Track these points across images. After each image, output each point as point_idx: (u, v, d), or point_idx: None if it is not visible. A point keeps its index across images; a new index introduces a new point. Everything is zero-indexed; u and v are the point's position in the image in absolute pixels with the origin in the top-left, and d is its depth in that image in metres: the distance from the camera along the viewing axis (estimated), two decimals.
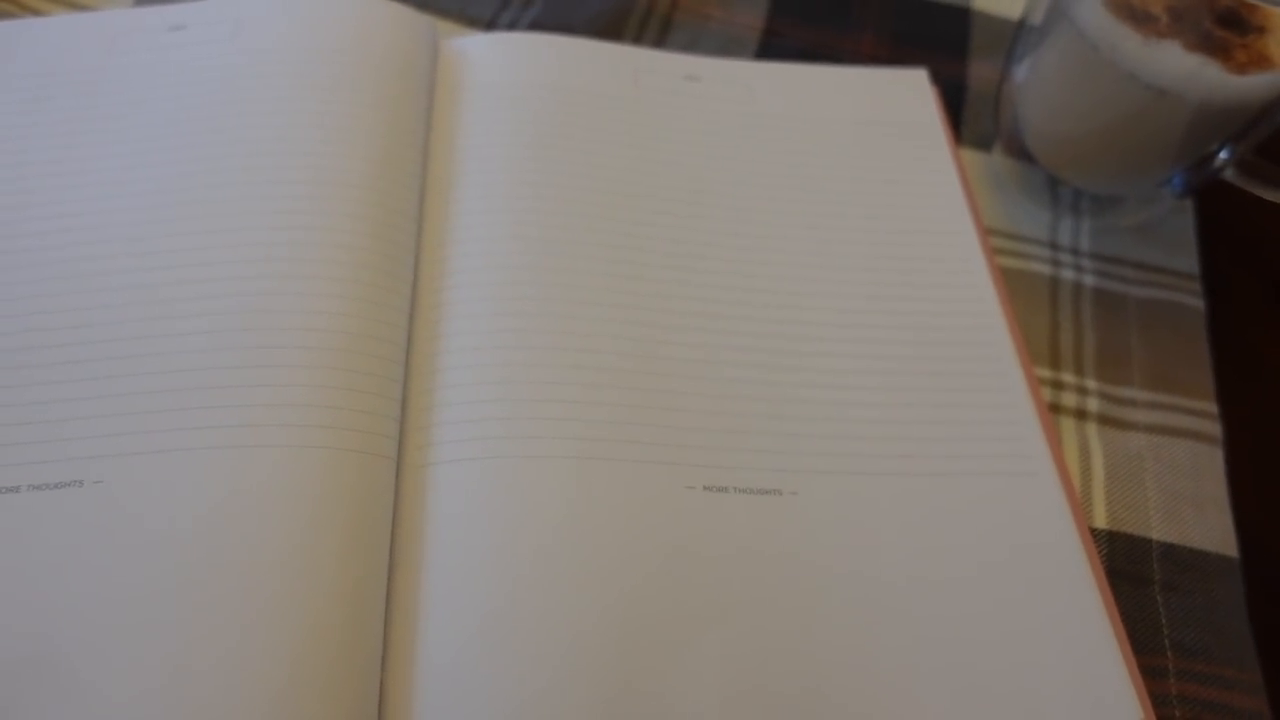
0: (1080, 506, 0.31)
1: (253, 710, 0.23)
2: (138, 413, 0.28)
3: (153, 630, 0.24)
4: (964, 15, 0.46)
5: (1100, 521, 0.32)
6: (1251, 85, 0.32)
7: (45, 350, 0.29)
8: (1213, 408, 0.35)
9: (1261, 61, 0.31)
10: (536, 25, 0.42)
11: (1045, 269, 0.38)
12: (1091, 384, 0.35)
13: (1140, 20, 0.32)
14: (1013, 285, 0.37)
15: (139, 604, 0.25)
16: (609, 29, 0.43)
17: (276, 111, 0.34)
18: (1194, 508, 0.33)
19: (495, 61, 0.38)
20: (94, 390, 0.28)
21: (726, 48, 0.43)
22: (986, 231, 0.38)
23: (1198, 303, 0.37)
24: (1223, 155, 0.35)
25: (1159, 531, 0.32)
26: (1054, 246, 0.38)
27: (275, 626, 0.24)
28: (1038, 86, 0.36)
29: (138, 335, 0.29)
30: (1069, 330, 0.36)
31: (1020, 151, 0.39)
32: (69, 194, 0.32)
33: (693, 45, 0.43)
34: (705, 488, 0.29)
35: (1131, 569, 0.31)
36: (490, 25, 0.42)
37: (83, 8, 0.40)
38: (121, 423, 0.27)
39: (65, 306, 0.30)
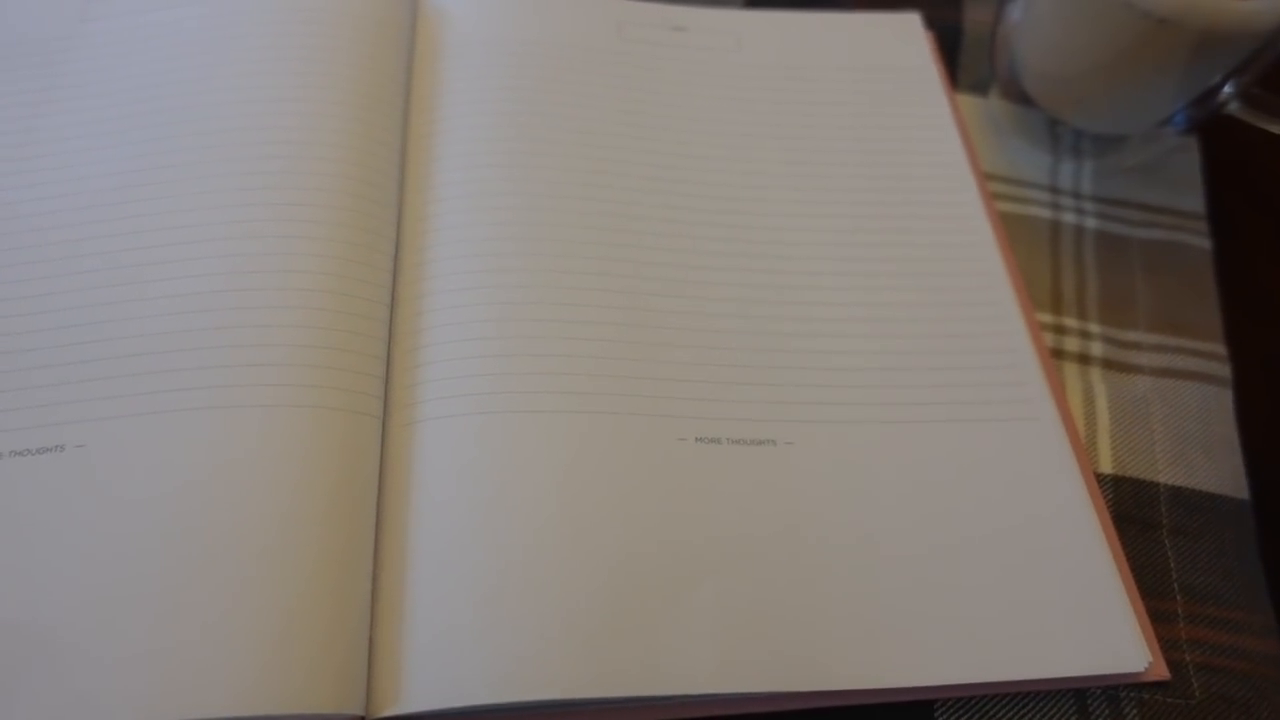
0: (1084, 451, 0.30)
1: (239, 676, 0.23)
2: (118, 376, 0.27)
3: (138, 594, 0.24)
4: None
5: (1106, 466, 0.31)
6: (1255, 12, 0.30)
7: (26, 317, 0.28)
8: (1221, 349, 0.34)
9: None
10: None
11: (1046, 213, 0.37)
12: (1095, 328, 0.34)
13: None
14: (1013, 230, 0.36)
15: (123, 569, 0.24)
16: None
17: (254, 73, 0.33)
18: (1203, 450, 0.32)
19: (476, 17, 0.37)
20: (75, 355, 0.28)
21: None
22: (985, 177, 0.37)
23: (1204, 242, 0.36)
24: (1226, 89, 0.34)
25: (1166, 475, 0.31)
26: (1054, 190, 0.37)
27: (261, 588, 0.24)
28: (1033, 24, 0.35)
29: (118, 299, 0.29)
30: (1071, 274, 0.35)
31: (1018, 94, 0.38)
32: (45, 162, 0.32)
33: None
34: (698, 439, 0.28)
35: (1139, 513, 0.30)
36: None
37: None
38: (102, 386, 0.27)
39: (45, 273, 0.29)
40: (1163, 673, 0.27)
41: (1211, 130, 0.38)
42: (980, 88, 0.40)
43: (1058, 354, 0.33)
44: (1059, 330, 0.34)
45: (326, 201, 0.31)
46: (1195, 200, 0.37)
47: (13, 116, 0.33)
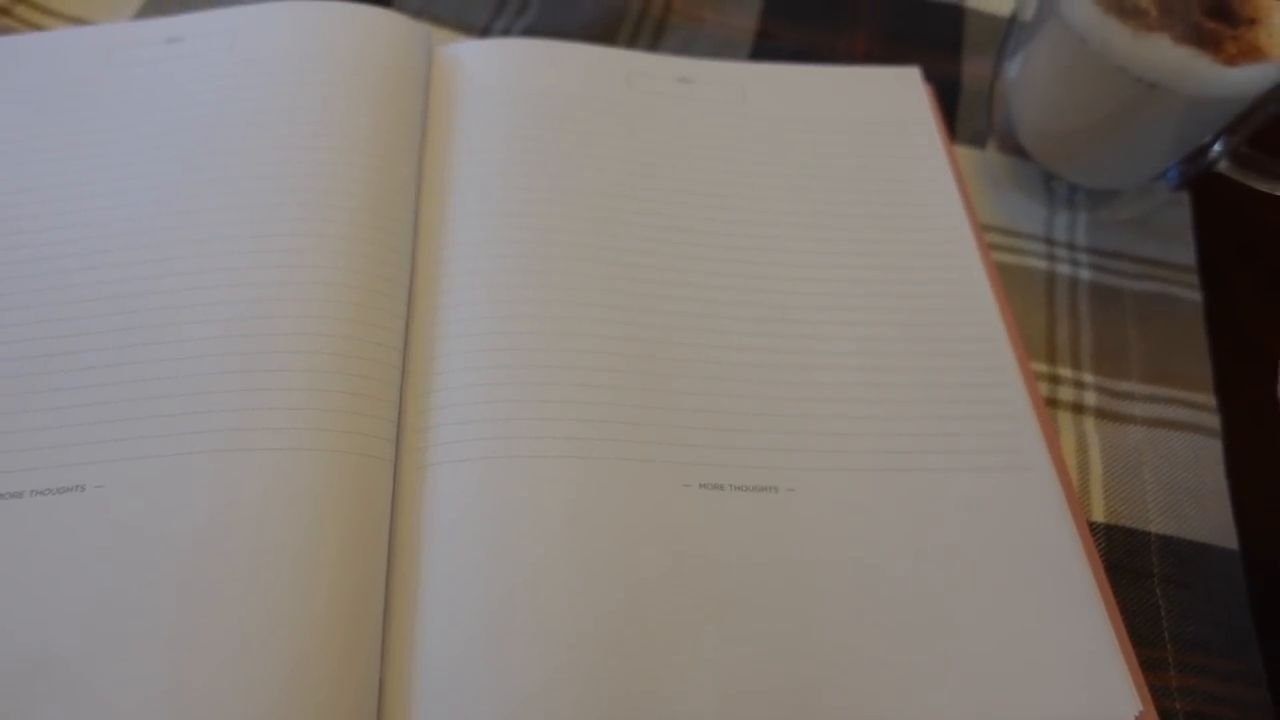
0: (1078, 500, 0.31)
1: (252, 713, 0.24)
2: (137, 418, 0.28)
3: (153, 635, 0.24)
4: (957, 13, 0.46)
5: (1098, 515, 0.32)
6: (1243, 77, 0.32)
7: (47, 358, 0.29)
8: (1211, 400, 0.35)
9: (1252, 52, 0.31)
10: (531, 31, 0.43)
11: (1041, 264, 0.38)
12: (1089, 378, 0.35)
13: (1129, 14, 0.32)
14: (1009, 280, 0.37)
15: (139, 608, 0.25)
16: (603, 34, 0.43)
17: (273, 121, 0.34)
18: (1193, 500, 0.32)
19: (489, 67, 0.38)
20: (94, 396, 0.28)
21: (720, 50, 0.43)
22: (982, 228, 0.38)
23: (1195, 295, 0.37)
24: (1217, 148, 0.35)
25: (1158, 525, 0.32)
26: (1050, 241, 0.38)
27: (274, 630, 0.25)
28: (1030, 82, 0.37)
29: (137, 342, 0.29)
30: (1065, 324, 0.36)
31: (1014, 148, 0.39)
32: (67, 205, 0.33)
33: (686, 49, 0.43)
34: (701, 485, 0.29)
35: (1130, 562, 0.31)
36: (485, 32, 0.43)
37: (83, 21, 0.40)
38: (121, 428, 0.28)
39: (65, 315, 0.30)
40: None
41: (1202, 186, 0.39)
42: (978, 140, 0.41)
43: (1052, 403, 0.34)
44: (1053, 380, 0.35)
45: (341, 248, 0.31)
46: (1186, 253, 0.38)
47: (37, 159, 0.34)
